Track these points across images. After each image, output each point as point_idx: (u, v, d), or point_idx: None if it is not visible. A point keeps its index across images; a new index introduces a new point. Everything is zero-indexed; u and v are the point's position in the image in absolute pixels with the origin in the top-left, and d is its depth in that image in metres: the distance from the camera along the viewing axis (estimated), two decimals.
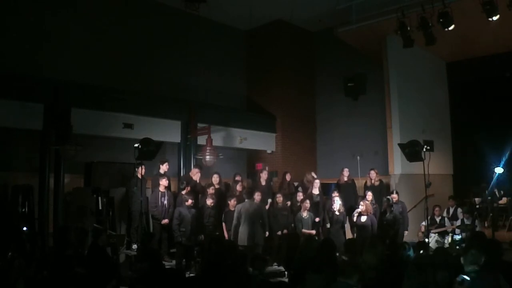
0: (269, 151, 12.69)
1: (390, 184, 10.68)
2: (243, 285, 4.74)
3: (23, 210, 7.93)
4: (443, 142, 11.45)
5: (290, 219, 8.99)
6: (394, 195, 9.28)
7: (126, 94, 9.64)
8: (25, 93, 7.94)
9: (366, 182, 10.17)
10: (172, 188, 9.58)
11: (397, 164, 10.49)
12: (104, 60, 10.11)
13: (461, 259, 4.22)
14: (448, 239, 8.98)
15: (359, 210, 8.73)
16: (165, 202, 8.51)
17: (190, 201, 8.13)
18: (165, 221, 8.38)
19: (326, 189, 10.26)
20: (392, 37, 10.33)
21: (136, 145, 7.19)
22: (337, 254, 6.29)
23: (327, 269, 4.66)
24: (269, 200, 9.69)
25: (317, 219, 9.04)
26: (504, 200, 10.21)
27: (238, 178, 9.83)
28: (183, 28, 11.70)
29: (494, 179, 9.37)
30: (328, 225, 9.08)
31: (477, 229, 8.56)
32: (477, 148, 10.27)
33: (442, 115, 11.97)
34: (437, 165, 9.60)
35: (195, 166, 9.65)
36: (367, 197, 9.05)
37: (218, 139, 10.71)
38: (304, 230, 8.63)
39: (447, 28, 8.46)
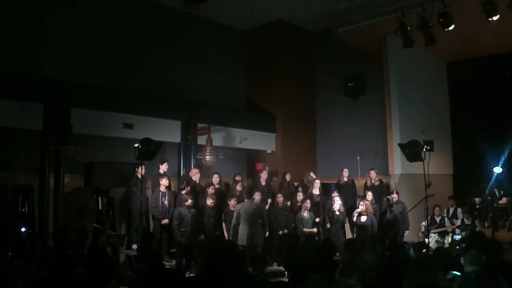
0: (269, 151, 12.69)
1: (390, 184, 10.68)
2: (243, 285, 4.74)
3: (23, 210, 7.94)
4: (443, 142, 11.45)
5: (291, 219, 8.99)
6: (394, 195, 9.28)
7: (126, 94, 9.64)
8: (25, 93, 7.95)
9: (366, 182, 10.17)
10: (172, 188, 9.58)
11: (397, 164, 10.49)
12: (104, 60, 10.12)
13: (461, 259, 4.22)
14: (448, 239, 8.97)
15: (359, 210, 8.74)
16: (166, 202, 8.51)
17: (189, 201, 8.13)
18: (165, 221, 8.37)
19: (326, 189, 10.26)
20: (392, 37, 10.33)
21: (136, 145, 7.19)
22: (337, 254, 6.30)
23: (327, 269, 4.66)
24: (269, 200, 9.69)
25: (317, 219, 9.04)
26: (504, 200, 10.21)
27: (238, 178, 9.83)
28: (183, 28, 11.70)
29: (493, 179, 9.37)
30: (328, 225, 9.08)
31: (477, 229, 8.56)
32: (477, 148, 10.27)
33: (442, 115, 11.97)
34: (437, 165, 9.60)
35: (194, 166, 9.65)
36: (367, 197, 9.06)
37: (218, 139, 10.71)
38: (305, 229, 8.63)
39: (447, 28, 8.46)
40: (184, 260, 8.07)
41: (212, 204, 8.44)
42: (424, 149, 7.66)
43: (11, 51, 8.73)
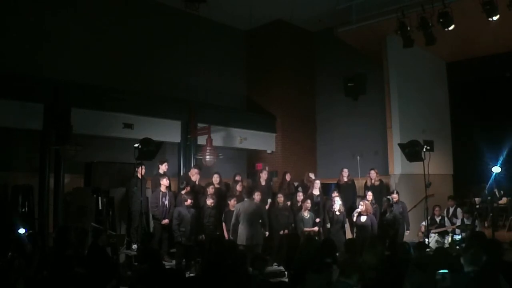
0: (269, 151, 12.69)
1: (390, 184, 10.68)
2: (243, 285, 4.74)
3: (23, 210, 7.94)
4: (443, 142, 11.45)
5: (291, 219, 8.99)
6: (395, 195, 9.28)
7: (126, 94, 9.64)
8: (25, 93, 7.94)
9: (366, 182, 10.17)
10: (172, 188, 9.58)
11: (397, 164, 10.49)
12: (104, 60, 10.11)
13: (461, 259, 4.23)
14: (448, 239, 8.98)
15: (359, 210, 8.74)
16: (166, 202, 8.51)
17: (189, 201, 8.13)
18: (166, 221, 8.37)
19: (326, 189, 10.25)
20: (392, 37, 10.34)
21: (136, 145, 7.20)
22: (337, 254, 6.29)
23: (327, 269, 4.66)
24: (269, 200, 9.69)
25: (317, 220, 9.03)
26: (504, 200, 10.21)
27: (238, 178, 9.83)
28: (183, 28, 11.70)
29: (491, 179, 9.37)
30: (328, 225, 9.08)
31: (477, 229, 8.56)
32: (477, 148, 10.27)
33: (442, 115, 11.98)
34: (437, 165, 9.61)
35: (194, 167, 9.63)
36: (367, 197, 9.06)
37: (218, 139, 10.71)
38: (306, 229, 8.63)
39: (447, 28, 8.47)
40: (184, 260, 8.06)
41: (212, 204, 8.43)
42: (424, 149, 7.67)
43: (11, 51, 8.73)
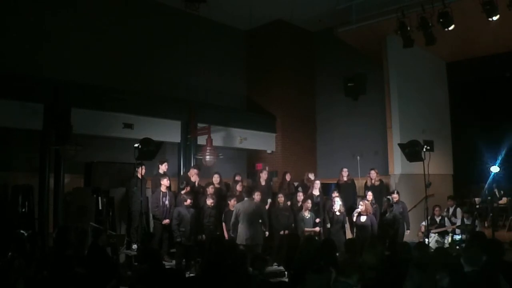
0: (269, 151, 12.69)
1: (390, 184, 10.68)
2: (243, 285, 4.74)
3: (23, 210, 7.93)
4: (443, 142, 11.45)
5: (291, 219, 8.99)
6: (395, 195, 9.28)
7: (126, 94, 9.64)
8: (25, 93, 7.94)
9: (366, 182, 10.17)
10: (172, 188, 9.57)
11: (397, 164, 10.49)
12: (104, 60, 10.12)
13: (461, 259, 4.23)
14: (448, 239, 8.97)
15: (358, 210, 8.74)
16: (166, 202, 8.51)
17: (188, 201, 8.14)
18: (166, 221, 8.37)
19: (326, 189, 10.25)
20: (392, 37, 10.34)
21: (136, 145, 7.19)
22: (337, 254, 6.30)
23: (327, 269, 4.65)
24: (269, 200, 9.69)
25: (317, 220, 9.03)
26: (504, 200, 10.22)
27: (238, 178, 9.83)
28: (183, 28, 11.70)
29: (490, 178, 9.38)
30: (329, 225, 9.08)
31: (477, 229, 8.55)
32: (477, 148, 10.28)
33: (442, 115, 11.98)
34: (437, 165, 9.60)
35: (193, 167, 9.63)
36: (367, 197, 9.06)
37: (218, 139, 10.71)
38: (307, 229, 8.63)
39: (447, 28, 8.46)
40: (184, 260, 8.07)
41: (212, 204, 8.43)
42: (424, 149, 7.66)
43: (11, 51, 8.73)
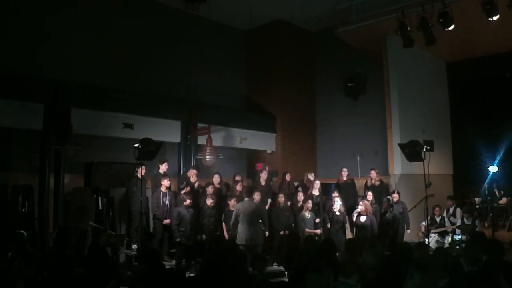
0: (269, 151, 12.69)
1: (390, 184, 10.68)
2: (243, 285, 4.74)
3: (23, 210, 7.93)
4: (443, 142, 11.45)
5: (292, 220, 8.99)
6: (395, 195, 9.27)
7: (126, 94, 9.64)
8: (25, 93, 7.94)
9: (366, 182, 10.16)
10: (172, 188, 9.57)
11: (397, 164, 10.49)
12: (104, 60, 10.12)
13: (461, 259, 4.23)
14: (448, 239, 8.97)
15: (358, 210, 8.73)
16: (167, 202, 8.51)
17: (188, 201, 8.14)
18: (167, 221, 8.37)
19: (326, 189, 10.25)
20: (392, 37, 10.34)
21: (136, 145, 7.19)
22: (337, 254, 6.30)
23: (327, 269, 4.66)
24: (269, 200, 9.69)
25: (317, 220, 9.03)
26: (504, 200, 10.22)
27: (238, 178, 9.82)
28: (183, 28, 11.70)
29: (488, 178, 9.38)
30: (329, 225, 9.08)
31: (477, 229, 8.56)
32: (477, 148, 10.28)
33: (442, 115, 11.98)
34: (437, 165, 9.60)
35: (192, 167, 9.63)
36: (367, 197, 9.05)
37: (218, 139, 10.71)
38: (307, 230, 8.63)
39: (447, 28, 8.47)
40: (184, 260, 8.06)
41: (212, 204, 8.44)
42: (424, 149, 7.66)
43: (11, 51, 8.73)
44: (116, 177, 8.96)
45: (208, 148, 9.71)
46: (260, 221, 8.05)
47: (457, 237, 8.88)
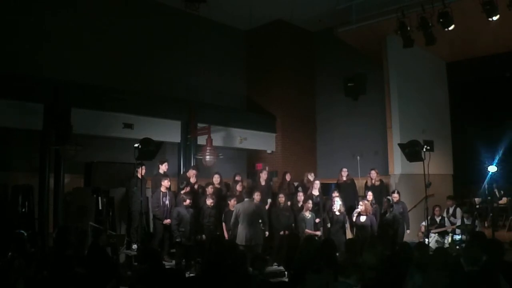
0: (269, 151, 12.69)
1: (390, 184, 10.68)
2: (243, 285, 4.74)
3: (23, 210, 7.93)
4: (443, 142, 11.45)
5: (292, 220, 8.99)
6: (395, 195, 9.27)
7: (126, 94, 9.64)
8: (25, 93, 7.94)
9: (366, 182, 10.16)
10: (172, 188, 9.57)
11: (397, 164, 10.49)
12: (104, 60, 10.12)
13: (461, 259, 4.23)
14: (448, 239, 8.97)
15: (358, 210, 8.73)
16: (167, 202, 8.52)
17: (188, 201, 8.14)
18: (167, 221, 8.37)
19: (326, 189, 10.25)
20: (392, 37, 10.34)
21: (136, 145, 7.19)
22: (337, 254, 6.30)
23: (327, 269, 4.66)
24: (269, 200, 9.69)
25: (317, 220, 9.03)
26: (504, 200, 10.22)
27: (238, 178, 9.82)
28: (183, 28, 11.70)
29: (487, 178, 9.38)
30: (329, 225, 9.07)
31: (477, 229, 8.56)
32: (477, 148, 10.28)
33: (442, 115, 11.98)
34: (437, 165, 9.60)
35: (192, 167, 9.63)
36: (367, 197, 9.05)
37: (218, 139, 10.71)
38: (307, 230, 8.63)
39: (447, 28, 8.47)
40: (184, 260, 8.06)
41: (212, 204, 8.44)
42: (424, 149, 7.66)
43: (11, 51, 8.73)
44: (116, 177, 8.96)
45: (208, 148, 9.71)
46: (260, 221, 8.05)
47: (457, 237, 8.88)
